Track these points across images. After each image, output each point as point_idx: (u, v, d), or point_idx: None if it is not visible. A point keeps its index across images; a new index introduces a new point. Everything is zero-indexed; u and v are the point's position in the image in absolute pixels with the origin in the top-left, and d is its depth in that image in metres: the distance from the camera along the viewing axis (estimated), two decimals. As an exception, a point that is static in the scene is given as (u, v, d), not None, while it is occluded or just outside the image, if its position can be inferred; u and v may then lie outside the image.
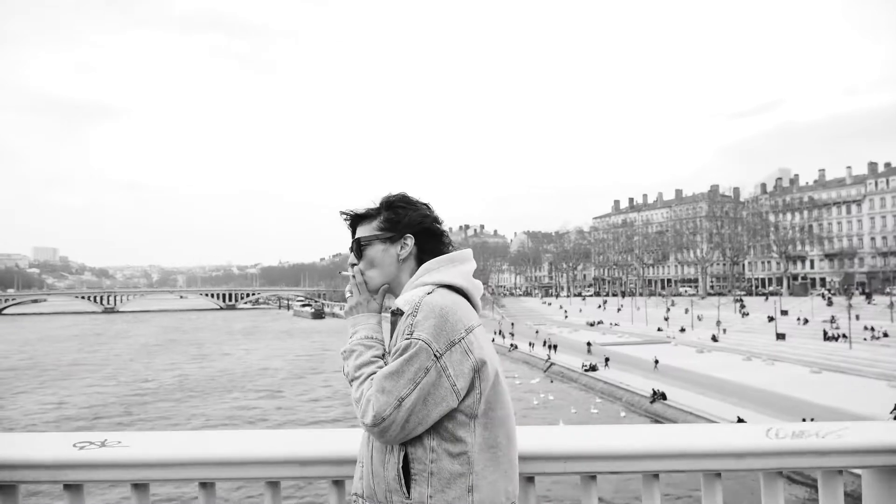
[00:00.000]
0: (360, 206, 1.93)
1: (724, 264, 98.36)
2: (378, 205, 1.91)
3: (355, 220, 1.93)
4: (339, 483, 2.10)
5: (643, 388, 37.53)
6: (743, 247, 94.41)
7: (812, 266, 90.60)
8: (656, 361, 45.52)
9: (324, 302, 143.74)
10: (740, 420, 27.85)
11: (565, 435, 2.21)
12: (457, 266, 1.83)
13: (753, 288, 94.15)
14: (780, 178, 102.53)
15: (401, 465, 1.68)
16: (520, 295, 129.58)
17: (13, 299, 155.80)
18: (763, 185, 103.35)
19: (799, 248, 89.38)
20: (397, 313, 1.79)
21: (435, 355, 1.65)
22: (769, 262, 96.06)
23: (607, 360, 46.76)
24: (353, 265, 1.90)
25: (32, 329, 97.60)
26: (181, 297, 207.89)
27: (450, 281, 1.78)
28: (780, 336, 54.74)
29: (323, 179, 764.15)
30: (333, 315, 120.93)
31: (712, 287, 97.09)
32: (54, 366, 54.93)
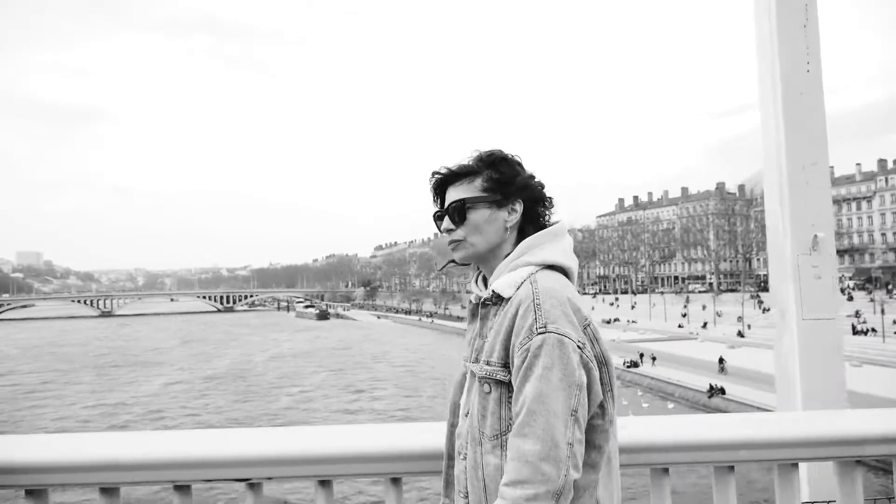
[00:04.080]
0: (453, 163, 1.66)
1: (735, 261, 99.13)
2: (475, 161, 1.63)
3: (447, 179, 1.65)
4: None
5: (694, 383, 37.53)
6: (756, 243, 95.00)
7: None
8: (647, 356, 46.09)
9: (327, 303, 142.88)
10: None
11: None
12: (558, 241, 1.60)
13: (764, 284, 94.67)
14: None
15: None
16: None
17: (8, 304, 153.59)
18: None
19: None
20: (492, 301, 1.55)
21: (579, 347, 1.41)
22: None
23: (644, 356, 46.81)
24: (448, 231, 1.63)
25: (54, 333, 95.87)
26: (172, 299, 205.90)
27: (555, 260, 1.55)
28: (809, 331, 54.98)
29: (310, 181, 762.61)
30: (338, 316, 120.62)
31: (720, 284, 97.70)
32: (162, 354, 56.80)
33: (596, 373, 1.44)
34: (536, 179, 1.64)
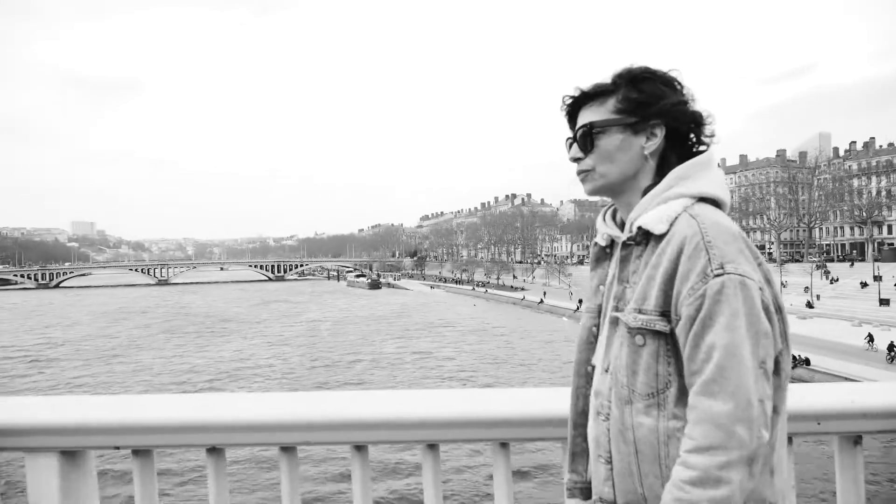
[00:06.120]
0: (589, 85, 1.41)
1: (797, 230, 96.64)
2: (612, 79, 1.39)
3: (580, 100, 1.42)
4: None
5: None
6: (820, 212, 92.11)
7: (890, 231, 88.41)
8: None
9: (378, 273, 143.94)
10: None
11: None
12: (711, 172, 1.36)
13: (826, 254, 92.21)
14: (853, 142, 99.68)
15: None
16: (575, 263, 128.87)
17: (70, 272, 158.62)
18: (836, 149, 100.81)
19: (875, 212, 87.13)
20: (636, 240, 1.34)
21: (760, 289, 1.22)
22: (842, 227, 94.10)
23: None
24: (576, 160, 1.42)
25: (118, 300, 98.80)
26: (222, 268, 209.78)
27: (712, 192, 1.32)
28: (884, 301, 53.43)
29: (353, 154, 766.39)
30: (389, 285, 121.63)
31: (781, 254, 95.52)
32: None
33: (776, 319, 1.26)
34: (686, 99, 1.39)
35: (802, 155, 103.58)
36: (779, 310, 1.28)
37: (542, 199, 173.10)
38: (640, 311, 1.29)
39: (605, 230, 1.48)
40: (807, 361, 33.55)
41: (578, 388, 1.54)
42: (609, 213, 1.50)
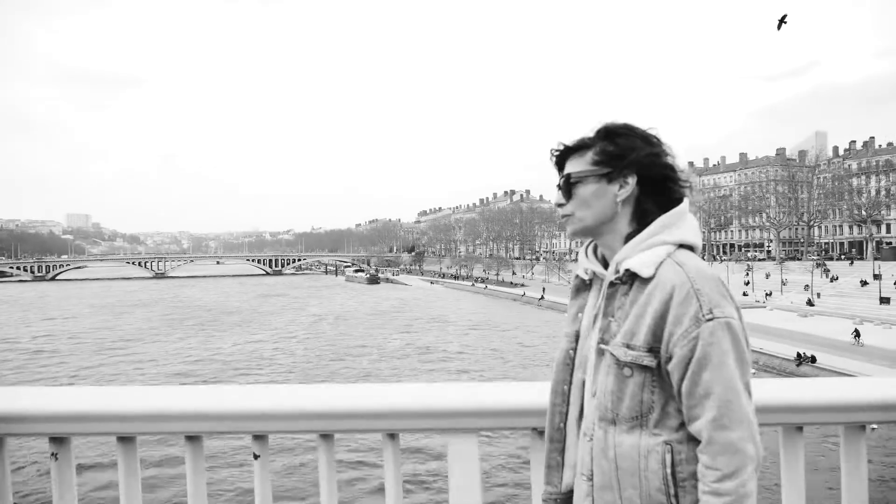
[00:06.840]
0: (572, 139, 1.59)
1: (796, 229, 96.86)
2: (594, 134, 1.56)
3: (565, 153, 1.59)
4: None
5: (776, 350, 36.93)
6: (819, 211, 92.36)
7: (889, 230, 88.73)
8: None
9: (376, 268, 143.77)
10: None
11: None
12: (688, 220, 1.51)
13: (826, 252, 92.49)
14: (853, 141, 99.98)
15: (669, 468, 1.39)
16: (573, 260, 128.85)
17: (67, 265, 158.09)
18: (835, 148, 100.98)
19: (875, 211, 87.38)
20: (622, 279, 1.48)
21: (743, 328, 1.42)
22: (842, 226, 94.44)
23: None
24: (559, 205, 1.58)
25: (116, 293, 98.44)
26: (218, 262, 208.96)
27: (690, 240, 1.48)
28: (885, 300, 53.63)
29: (349, 152, 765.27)
30: (388, 280, 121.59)
31: (780, 252, 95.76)
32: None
33: None
34: (658, 152, 1.53)
35: (802, 153, 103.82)
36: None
37: (541, 196, 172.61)
38: (628, 347, 1.43)
39: (587, 265, 1.62)
40: (813, 359, 33.69)
41: (555, 405, 1.65)
42: (590, 248, 1.64)
